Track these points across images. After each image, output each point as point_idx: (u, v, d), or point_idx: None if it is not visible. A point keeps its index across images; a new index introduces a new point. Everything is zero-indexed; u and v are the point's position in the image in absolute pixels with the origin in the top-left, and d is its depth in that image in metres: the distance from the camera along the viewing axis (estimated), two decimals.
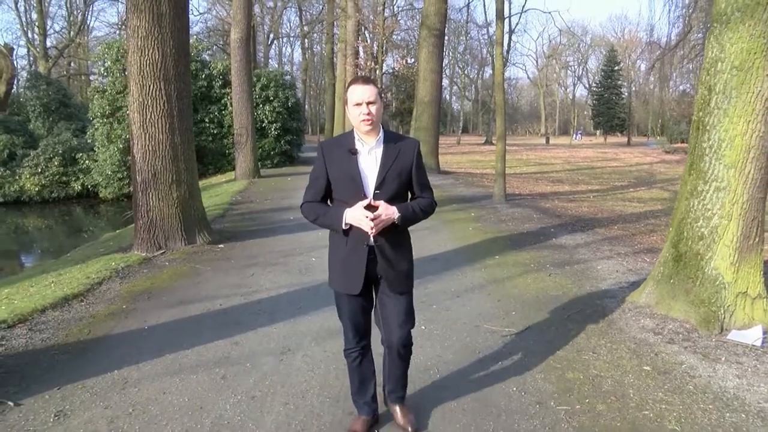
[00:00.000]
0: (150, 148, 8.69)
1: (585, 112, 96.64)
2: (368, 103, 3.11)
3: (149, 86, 8.61)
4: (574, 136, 76.73)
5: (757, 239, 5.27)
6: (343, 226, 3.13)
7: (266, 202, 14.32)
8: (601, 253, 8.42)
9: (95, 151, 23.57)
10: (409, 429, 3.46)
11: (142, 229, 8.78)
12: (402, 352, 3.41)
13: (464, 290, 6.51)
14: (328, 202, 3.34)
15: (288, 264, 7.80)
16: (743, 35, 5.01)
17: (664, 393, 4.02)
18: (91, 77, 55.28)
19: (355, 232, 3.16)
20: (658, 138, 63.65)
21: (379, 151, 3.22)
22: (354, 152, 3.19)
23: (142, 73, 8.60)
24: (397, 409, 3.59)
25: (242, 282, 6.98)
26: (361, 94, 3.11)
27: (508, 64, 58.64)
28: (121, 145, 21.87)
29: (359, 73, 39.52)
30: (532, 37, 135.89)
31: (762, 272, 5.35)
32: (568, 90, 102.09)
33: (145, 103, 8.64)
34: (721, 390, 4.07)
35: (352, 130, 3.25)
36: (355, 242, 3.20)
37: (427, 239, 9.06)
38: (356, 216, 3.08)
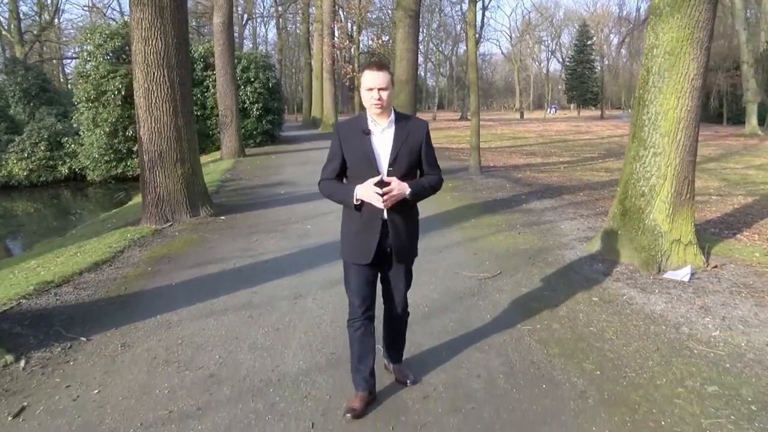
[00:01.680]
0: (156, 130, 9.52)
1: (559, 87, 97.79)
2: (380, 89, 3.33)
3: (153, 73, 9.41)
4: (549, 110, 77.85)
5: (688, 195, 6.32)
6: (355, 202, 3.35)
7: (255, 179, 15.17)
8: (565, 215, 9.45)
9: (80, 135, 24.07)
10: (407, 382, 3.87)
11: (151, 204, 9.63)
12: (400, 313, 3.79)
13: (444, 247, 7.52)
14: (344, 180, 3.57)
15: (286, 231, 8.71)
16: (673, 26, 6.02)
17: (606, 315, 5.06)
18: (73, 62, 55.14)
19: (368, 207, 3.38)
20: (630, 111, 65.00)
21: (391, 131, 3.44)
22: (367, 132, 3.41)
23: (146, 61, 9.40)
24: (397, 368, 4.00)
25: (248, 246, 7.89)
26: (373, 80, 3.34)
27: (482, 40, 59.43)
28: (107, 129, 22.39)
29: (336, 53, 40.11)
30: (506, 13, 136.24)
31: (693, 223, 6.42)
32: (542, 65, 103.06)
33: (150, 88, 9.45)
34: (651, 312, 5.11)
35: (365, 111, 3.49)
36: (369, 216, 3.42)
37: None
38: (367, 192, 3.31)
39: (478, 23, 53.62)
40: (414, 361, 4.20)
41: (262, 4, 70.95)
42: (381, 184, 3.30)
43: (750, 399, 3.63)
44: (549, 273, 6.32)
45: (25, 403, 3.77)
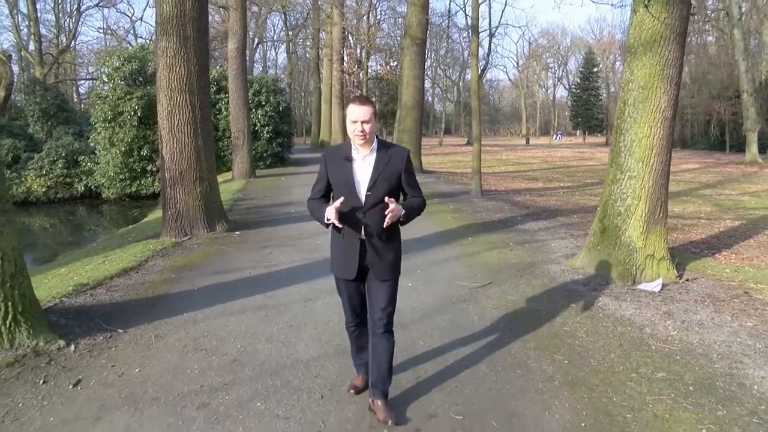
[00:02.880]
0: (177, 150, 10.28)
1: (565, 113, 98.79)
2: (363, 122, 3.58)
3: (177, 98, 10.20)
4: (555, 136, 78.71)
5: (661, 215, 7.01)
6: (326, 221, 3.63)
7: (266, 199, 15.91)
8: (557, 235, 10.14)
9: (96, 154, 24.95)
10: (389, 422, 3.74)
11: (171, 219, 10.36)
12: (381, 333, 3.81)
13: (442, 260, 8.20)
14: (330, 200, 3.83)
15: (297, 245, 9.41)
16: (646, 63, 6.77)
17: (581, 318, 5.74)
18: (86, 83, 56.40)
19: (347, 229, 3.70)
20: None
21: (372, 158, 3.69)
22: (350, 159, 3.70)
23: (170, 87, 10.19)
24: (379, 403, 3.85)
25: (262, 258, 8.59)
26: (357, 114, 3.58)
27: (489, 66, 60.35)
28: (123, 148, 23.30)
29: (345, 78, 41.04)
30: (513, 40, 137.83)
31: (666, 240, 7.10)
32: (548, 91, 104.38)
33: (173, 112, 10.22)
34: (620, 316, 5.79)
35: (350, 139, 3.74)
36: (348, 237, 3.74)
37: (413, 225, 10.57)
38: (331, 212, 3.54)
39: (485, 50, 54.74)
40: (408, 353, 4.88)
41: (273, 28, 72.32)
42: (353, 209, 3.64)
43: (690, 382, 4.29)
44: (534, 284, 7.01)
45: (80, 377, 4.47)
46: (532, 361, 4.72)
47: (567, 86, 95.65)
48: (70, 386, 4.33)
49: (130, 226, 16.71)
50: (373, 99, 47.61)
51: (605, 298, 6.39)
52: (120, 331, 5.52)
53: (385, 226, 3.59)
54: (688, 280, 7.07)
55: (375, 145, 3.73)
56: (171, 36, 10.09)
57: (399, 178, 3.74)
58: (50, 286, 7.30)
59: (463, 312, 5.98)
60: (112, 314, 6.00)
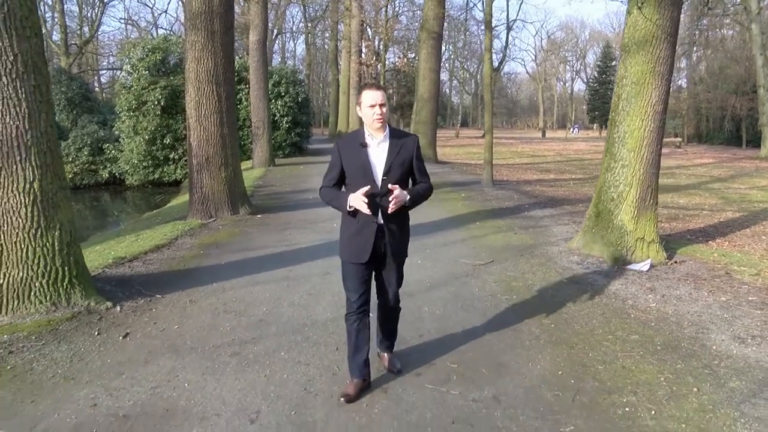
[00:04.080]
0: (204, 138, 10.97)
1: (583, 107, 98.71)
2: (380, 105, 3.74)
3: (204, 88, 10.88)
4: (572, 129, 78.74)
5: (651, 201, 7.59)
6: (348, 209, 3.80)
7: (286, 186, 16.61)
8: (560, 221, 10.72)
9: (120, 142, 25.75)
10: (395, 370, 4.31)
11: (197, 202, 11.07)
12: (392, 307, 4.22)
13: (450, 242, 8.83)
14: (343, 187, 3.99)
15: (315, 228, 10.06)
16: (639, 61, 7.34)
17: (571, 291, 6.36)
18: (107, 72, 57.33)
19: (363, 213, 3.77)
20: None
21: (385, 144, 3.84)
22: (364, 145, 3.83)
23: (198, 78, 10.87)
24: (386, 355, 4.43)
25: (283, 238, 9.26)
26: (374, 97, 3.74)
27: (506, 59, 60.62)
28: (146, 137, 24.06)
29: (363, 69, 41.61)
30: (531, 33, 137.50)
31: (656, 224, 7.68)
32: (566, 84, 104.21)
33: (201, 101, 10.91)
34: (608, 291, 6.40)
35: (362, 127, 3.93)
36: (365, 221, 3.83)
37: (425, 211, 11.31)
38: (357, 201, 3.72)
39: (502, 43, 55.08)
40: (414, 317, 5.52)
41: (292, 20, 72.94)
42: (373, 194, 3.75)
43: (659, 343, 4.91)
44: (532, 262, 7.63)
45: (128, 331, 5.17)
46: (522, 324, 5.35)
47: (585, 80, 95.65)
48: (120, 338, 5.03)
49: (154, 211, 17.42)
50: (390, 91, 48.26)
51: (596, 275, 7.00)
52: (158, 296, 6.21)
53: (389, 211, 3.73)
54: (676, 262, 7.64)
55: (387, 132, 3.88)
56: (199, 30, 10.75)
57: (411, 163, 3.91)
58: (90, 259, 8.00)
59: (465, 285, 6.62)
60: (149, 283, 6.70)
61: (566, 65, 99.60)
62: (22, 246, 5.44)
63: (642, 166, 7.50)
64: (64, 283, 5.64)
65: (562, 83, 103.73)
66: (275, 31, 64.29)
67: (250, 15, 23.11)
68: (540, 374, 4.33)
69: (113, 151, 26.37)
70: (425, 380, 4.22)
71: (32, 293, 5.48)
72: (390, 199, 3.71)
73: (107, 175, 26.90)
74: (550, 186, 17.68)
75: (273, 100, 25.80)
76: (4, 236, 5.40)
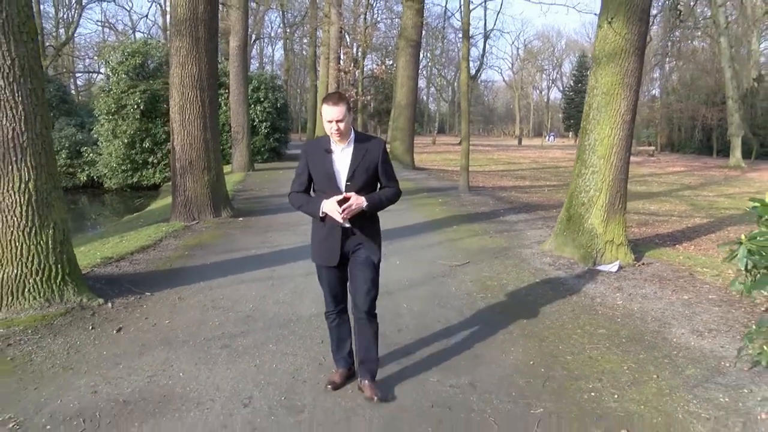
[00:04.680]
0: (188, 142, 11.18)
1: (559, 115, 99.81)
2: (337, 121, 3.69)
3: (188, 93, 11.09)
4: (548, 137, 79.62)
5: (620, 206, 7.97)
6: (320, 215, 3.85)
7: (265, 190, 16.81)
8: (534, 225, 11.09)
9: (98, 145, 25.72)
10: (375, 398, 3.95)
11: (180, 204, 11.27)
12: (366, 318, 4.01)
13: (427, 245, 9.14)
14: (311, 192, 4.03)
15: (296, 230, 10.30)
16: (608, 72, 7.72)
17: (542, 289, 6.70)
18: (91, 76, 56.96)
19: (331, 218, 3.82)
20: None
21: (349, 150, 3.84)
22: (329, 151, 3.85)
23: (182, 83, 11.08)
24: (366, 383, 4.05)
25: (265, 240, 9.50)
26: (330, 114, 3.69)
27: (483, 67, 61.26)
28: (126, 140, 24.07)
29: (341, 76, 41.89)
30: (508, 42, 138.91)
31: (624, 228, 8.06)
32: (543, 93, 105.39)
33: (185, 106, 11.11)
34: (578, 289, 6.75)
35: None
36: (331, 226, 3.87)
37: (403, 215, 11.64)
38: (329, 207, 3.76)
39: (480, 51, 55.73)
40: (393, 314, 5.81)
41: (270, 25, 72.92)
42: (342, 201, 3.75)
43: (624, 336, 5.26)
44: (507, 263, 7.97)
45: (121, 326, 5.40)
46: (496, 320, 5.67)
47: (561, 88, 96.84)
48: (114, 332, 5.26)
49: (134, 214, 17.53)
50: (369, 97, 48.54)
51: (566, 276, 7.35)
52: (147, 293, 6.44)
53: (340, 219, 3.74)
54: (643, 264, 8.02)
55: (352, 137, 3.88)
56: (184, 36, 10.97)
57: (376, 168, 3.90)
58: (78, 259, 8.17)
59: (443, 284, 6.93)
60: (138, 281, 6.92)
61: (543, 74, 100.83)
62: (17, 244, 5.64)
63: (611, 173, 7.87)
64: (58, 280, 5.85)
65: (538, 92, 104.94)
66: (253, 36, 64.25)
67: (231, 21, 23.29)
68: (513, 364, 4.64)
69: (91, 155, 26.31)
70: (405, 368, 4.51)
71: (26, 290, 5.68)
72: (342, 207, 3.72)
73: (85, 178, 26.83)
74: (525, 192, 18.08)
75: (252, 106, 25.95)
76: None
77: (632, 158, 40.68)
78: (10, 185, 5.57)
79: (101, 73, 26.87)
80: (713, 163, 37.83)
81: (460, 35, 18.98)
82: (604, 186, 7.89)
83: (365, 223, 3.94)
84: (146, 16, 65.13)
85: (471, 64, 21.97)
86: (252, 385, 4.19)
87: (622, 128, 7.78)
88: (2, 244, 5.60)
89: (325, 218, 3.88)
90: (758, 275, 3.30)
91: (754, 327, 3.64)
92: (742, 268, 3.29)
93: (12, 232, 5.61)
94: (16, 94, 5.53)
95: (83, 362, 4.60)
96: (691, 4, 38.10)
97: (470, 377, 4.36)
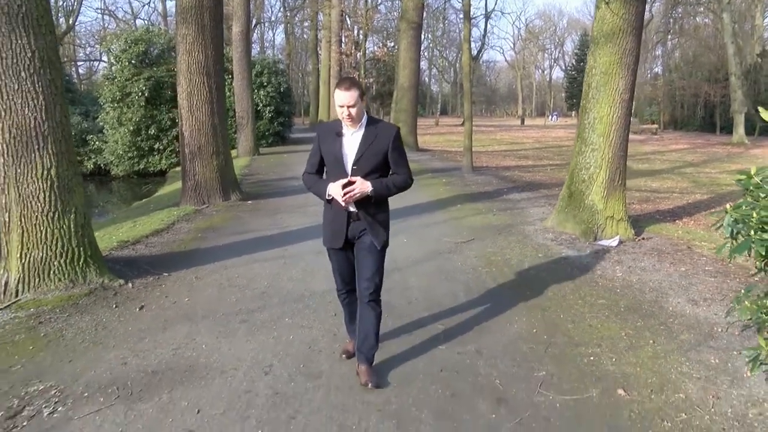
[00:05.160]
0: (196, 128, 11.41)
1: (561, 94, 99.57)
2: (349, 107, 3.72)
3: (195, 80, 11.31)
4: (551, 117, 79.52)
5: (620, 182, 8.20)
6: (327, 197, 3.90)
7: (272, 174, 17.06)
8: (537, 203, 11.33)
9: (104, 133, 25.94)
10: (369, 385, 3.95)
11: (190, 189, 11.53)
12: (368, 303, 4.01)
13: (433, 223, 9.40)
14: (324, 173, 4.10)
15: (304, 212, 10.56)
16: (607, 52, 7.92)
17: (545, 264, 6.96)
18: (92, 64, 57.11)
19: (337, 201, 3.85)
20: (630, 119, 66.10)
21: (359, 134, 3.86)
22: (340, 134, 3.89)
23: (189, 70, 11.29)
24: (363, 368, 4.06)
25: (275, 222, 9.76)
26: (342, 99, 3.72)
27: (485, 48, 61.13)
28: (131, 128, 24.27)
29: (343, 59, 41.97)
30: (510, 21, 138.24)
31: (624, 204, 8.30)
32: (545, 72, 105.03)
33: (192, 92, 11.34)
34: (579, 263, 7.00)
35: None
36: (338, 208, 3.92)
37: (409, 195, 11.66)
38: (334, 190, 3.81)
39: (481, 32, 55.71)
40: (402, 288, 6.07)
41: (270, 9, 72.94)
42: (348, 183, 3.77)
43: (623, 306, 5.52)
44: (510, 240, 8.22)
45: (143, 304, 5.68)
46: (501, 292, 5.94)
47: (563, 67, 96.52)
48: (137, 309, 5.54)
49: (143, 200, 17.78)
50: (371, 80, 48.56)
51: (568, 250, 7.60)
52: (165, 274, 6.71)
53: (342, 202, 3.79)
54: (643, 238, 8.26)
55: (364, 121, 3.89)
56: (190, 24, 11.17)
57: (385, 154, 3.89)
58: None
59: (449, 260, 7.19)
60: (155, 263, 7.19)
61: (545, 53, 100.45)
62: (42, 228, 5.90)
63: (611, 150, 8.09)
64: (80, 262, 6.12)
65: (540, 71, 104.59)
66: (254, 20, 64.27)
67: (233, 6, 23.43)
68: (517, 332, 4.90)
69: (97, 142, 26.54)
70: (415, 338, 4.78)
71: (52, 271, 5.95)
72: (344, 190, 3.76)
73: (92, 166, 27.04)
74: (528, 171, 18.30)
75: (255, 90, 26.08)
76: (24, 219, 5.86)
77: (635, 136, 40.79)
78: (34, 172, 5.83)
79: (103, 61, 27.11)
80: (716, 140, 37.90)
81: (461, 16, 19.19)
82: (604, 163, 8.12)
83: (372, 208, 3.93)
84: (148, 3, 64.73)
85: (472, 44, 22.13)
86: (271, 355, 4.47)
87: (620, 107, 7.99)
88: (28, 228, 5.86)
89: (332, 201, 3.91)
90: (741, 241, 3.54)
91: (742, 291, 3.88)
92: (728, 235, 3.52)
93: (36, 216, 5.87)
94: (37, 85, 5.77)
95: (111, 337, 4.88)
96: None
97: (477, 345, 4.63)
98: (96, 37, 59.20)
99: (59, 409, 3.69)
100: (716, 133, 45.27)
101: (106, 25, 63.46)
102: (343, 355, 4.44)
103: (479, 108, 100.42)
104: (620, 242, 7.92)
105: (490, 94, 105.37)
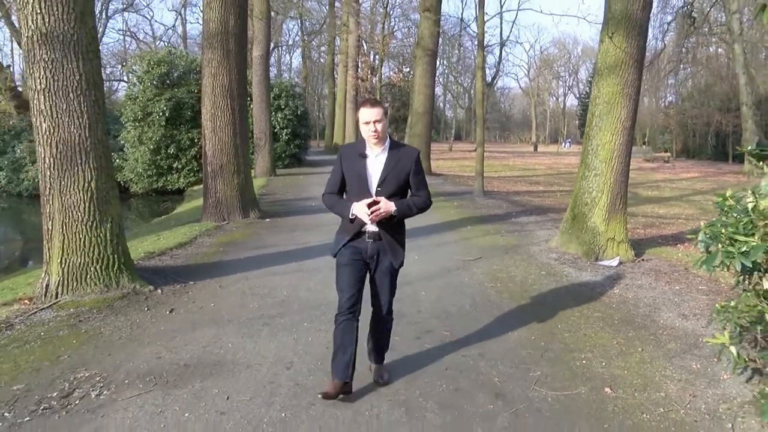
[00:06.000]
0: (219, 147, 11.97)
1: (575, 121, 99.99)
2: (375, 122, 3.85)
3: (219, 102, 11.88)
4: (564, 144, 79.96)
5: (621, 206, 8.64)
6: (350, 216, 3.96)
7: (288, 194, 17.61)
8: (544, 226, 11.76)
9: (124, 151, 26.62)
10: (381, 380, 4.31)
11: (211, 206, 12.06)
12: (385, 317, 4.29)
13: (444, 242, 9.86)
14: (344, 194, 4.18)
15: (321, 229, 11.02)
16: (609, 83, 8.40)
17: (547, 280, 7.38)
18: (112, 83, 58.18)
19: (360, 220, 3.95)
20: (643, 147, 66.32)
21: (383, 156, 3.97)
22: (364, 156, 3.98)
23: (214, 92, 11.88)
24: (374, 366, 4.44)
25: (292, 238, 10.25)
26: (369, 115, 3.85)
27: (500, 74, 61.78)
28: (151, 146, 24.97)
29: (359, 84, 42.70)
30: (524, 49, 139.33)
31: (625, 226, 8.72)
32: (559, 99, 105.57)
33: (216, 114, 11.91)
34: (579, 281, 7.43)
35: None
36: (359, 227, 4.01)
37: (421, 217, 12.08)
38: (359, 209, 3.88)
39: (496, 59, 56.43)
40: (413, 299, 6.51)
41: (288, 33, 73.94)
42: (371, 204, 3.86)
43: (617, 318, 5.94)
44: (516, 258, 8.67)
45: (173, 308, 6.16)
46: (504, 304, 6.38)
47: (577, 95, 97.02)
48: (167, 312, 6.02)
49: (162, 217, 18.39)
50: (386, 105, 49.22)
51: (570, 269, 8.03)
52: (191, 282, 7.21)
53: (368, 221, 3.89)
54: (643, 259, 8.67)
55: (387, 144, 4.01)
56: (216, 49, 11.78)
57: (407, 176, 4.01)
58: None
59: (457, 276, 7.64)
60: (180, 272, 7.68)
61: (559, 81, 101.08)
62: (81, 236, 6.42)
63: (612, 175, 8.54)
64: (114, 269, 6.63)
65: (554, 98, 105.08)
66: (272, 44, 65.37)
67: (254, 31, 24.16)
68: (516, 339, 5.33)
69: (117, 160, 27.20)
70: (423, 341, 5.22)
71: (89, 276, 6.46)
72: (371, 210, 3.84)
73: None
74: (538, 196, 18.73)
75: (273, 113, 26.74)
76: (65, 227, 6.38)
77: (647, 164, 41.09)
78: (76, 184, 6.35)
79: (124, 80, 27.73)
80: (728, 169, 38.15)
81: (477, 42, 19.74)
82: (606, 187, 8.56)
83: (391, 228, 4.04)
84: (172, 27, 65.95)
85: (487, 71, 22.74)
86: (292, 354, 4.92)
87: (622, 134, 8.45)
88: (68, 236, 6.37)
89: (354, 220, 3.98)
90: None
91: (723, 303, 4.30)
92: (702, 250, 3.96)
93: (76, 225, 6.39)
94: (82, 105, 6.31)
95: (145, 335, 5.35)
96: (706, 11, 38.61)
97: (479, 349, 5.06)
98: (117, 57, 60.32)
99: (104, 392, 4.16)
100: (728, 162, 45.48)
101: (127, 46, 64.71)
102: (320, 395, 4.01)
103: (493, 134, 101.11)
104: (620, 263, 8.34)
105: (504, 120, 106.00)
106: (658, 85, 60.21)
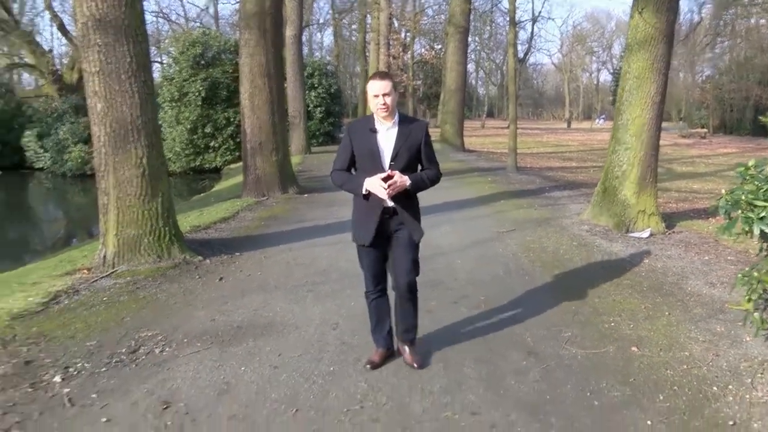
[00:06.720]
0: (257, 126, 12.34)
1: (609, 98, 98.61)
2: (384, 95, 3.77)
3: (257, 81, 12.23)
4: (598, 120, 79.02)
5: (651, 179, 8.80)
6: (363, 192, 3.85)
7: (324, 171, 17.83)
8: (576, 200, 11.94)
9: (162, 131, 27.17)
10: (415, 365, 4.19)
11: (251, 182, 12.47)
12: (408, 295, 4.13)
13: (477, 216, 10.12)
14: (352, 171, 4.08)
15: None
16: (639, 58, 8.54)
17: (578, 250, 7.63)
18: (159, 65, 58.95)
19: (373, 196, 3.85)
20: (679, 123, 65.04)
21: (394, 130, 3.90)
22: (374, 131, 3.90)
23: (252, 72, 12.23)
24: (407, 348, 4.29)
25: (330, 213, 10.59)
26: (377, 88, 3.79)
27: (532, 50, 61.18)
28: (188, 126, 25.49)
29: (392, 61, 42.75)
30: (557, 25, 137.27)
31: (655, 199, 8.89)
32: (592, 75, 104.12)
33: (254, 93, 12.27)
34: (610, 251, 7.65)
35: (374, 114, 3.94)
36: (372, 204, 3.92)
37: (454, 192, 12.61)
38: (374, 184, 3.78)
39: (528, 35, 55.92)
40: (449, 268, 6.81)
41: (319, 12, 74.05)
42: (386, 178, 3.76)
43: (645, 286, 6.18)
44: (548, 230, 8.91)
45: (222, 276, 6.56)
46: (536, 273, 6.65)
47: (611, 70, 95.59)
48: (217, 280, 6.42)
49: (202, 194, 18.89)
50: (418, 82, 49.28)
51: (601, 240, 8.24)
52: (237, 253, 7.60)
53: (385, 196, 3.78)
54: (674, 232, 8.84)
55: (396, 118, 3.93)
56: (253, 29, 12.11)
57: (419, 149, 3.97)
58: None
59: (491, 246, 7.91)
60: (226, 244, 8.08)
61: (592, 56, 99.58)
62: (135, 210, 6.83)
63: (642, 149, 8.70)
64: (166, 240, 7.04)
65: (588, 74, 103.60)
66: (304, 23, 65.60)
67: (287, 11, 24.43)
68: (548, 304, 5.60)
69: None
70: (460, 306, 5.53)
71: (142, 247, 6.87)
72: (388, 183, 3.75)
73: None
74: (571, 172, 18.84)
75: (307, 91, 27.07)
76: (120, 202, 6.79)
77: (683, 140, 40.48)
78: (129, 161, 6.75)
79: (157, 61, 28.21)
80: (766, 144, 37.52)
81: (509, 18, 19.76)
82: (636, 161, 8.73)
83: (406, 202, 3.95)
84: (207, 8, 66.29)
85: (519, 47, 22.62)
86: (336, 316, 5.27)
87: (652, 109, 8.59)
88: (122, 209, 6.79)
89: (368, 196, 3.90)
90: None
91: (746, 269, 4.52)
92: (723, 216, 4.17)
93: (130, 199, 6.80)
94: (133, 86, 6.68)
95: (198, 301, 5.74)
96: None
97: (512, 313, 5.35)
98: (151, 38, 60.94)
99: (167, 349, 4.55)
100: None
101: (160, 27, 65.45)
102: (368, 366, 4.22)
103: (526, 111, 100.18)
104: (651, 234, 8.52)
105: (537, 96, 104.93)
106: (695, 60, 59.23)
